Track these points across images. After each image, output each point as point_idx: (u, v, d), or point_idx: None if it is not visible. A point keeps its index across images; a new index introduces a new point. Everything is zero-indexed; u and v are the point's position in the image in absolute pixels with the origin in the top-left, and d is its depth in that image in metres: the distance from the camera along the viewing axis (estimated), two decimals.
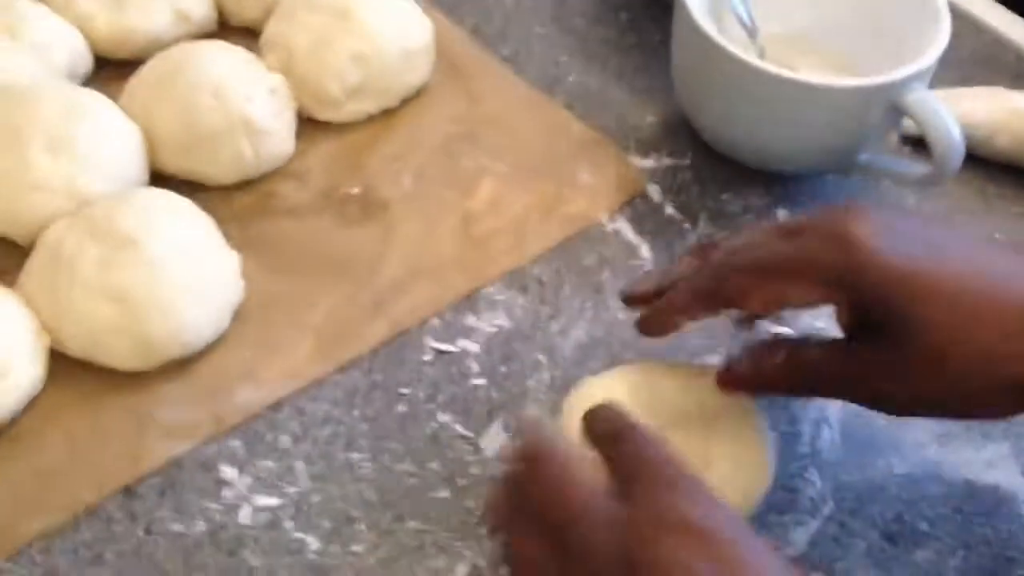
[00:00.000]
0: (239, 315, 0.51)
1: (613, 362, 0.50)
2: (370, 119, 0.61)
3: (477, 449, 0.47)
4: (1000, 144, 0.60)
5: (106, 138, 0.53)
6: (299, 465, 0.46)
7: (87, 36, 0.60)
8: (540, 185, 0.58)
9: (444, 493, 0.46)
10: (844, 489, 0.47)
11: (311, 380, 0.49)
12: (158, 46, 0.59)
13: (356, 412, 0.48)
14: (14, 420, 0.46)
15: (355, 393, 0.49)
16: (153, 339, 0.48)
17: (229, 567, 0.43)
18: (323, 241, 0.55)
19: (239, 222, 0.55)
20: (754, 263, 0.41)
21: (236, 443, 0.47)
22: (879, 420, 0.45)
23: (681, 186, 0.59)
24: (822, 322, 0.50)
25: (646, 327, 0.45)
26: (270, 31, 0.61)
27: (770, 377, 0.43)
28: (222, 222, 0.53)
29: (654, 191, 0.58)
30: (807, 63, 0.60)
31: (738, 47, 0.53)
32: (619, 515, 0.34)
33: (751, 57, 0.52)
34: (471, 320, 0.52)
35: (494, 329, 0.52)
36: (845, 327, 0.42)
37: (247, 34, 0.63)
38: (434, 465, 0.47)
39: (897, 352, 0.39)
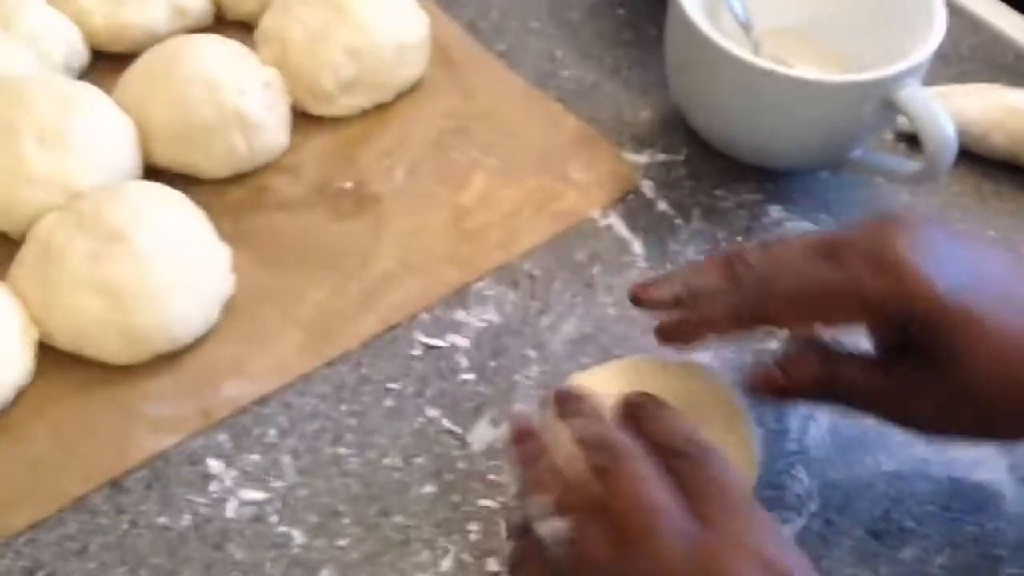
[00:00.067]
0: (229, 308, 0.51)
1: (603, 357, 0.50)
2: (364, 113, 0.61)
3: (464, 444, 0.47)
4: (996, 142, 0.60)
5: (99, 131, 0.53)
6: (285, 459, 0.47)
7: (83, 29, 0.60)
8: (533, 180, 0.58)
9: (430, 488, 0.46)
10: (831, 486, 0.47)
11: (299, 374, 0.49)
12: (154, 40, 0.60)
13: (344, 407, 0.48)
14: (2, 412, 0.46)
15: (343, 387, 0.49)
16: (141, 333, 0.48)
17: (214, 560, 0.43)
18: (315, 235, 0.55)
19: (231, 215, 0.55)
20: (796, 291, 0.40)
21: (223, 437, 0.47)
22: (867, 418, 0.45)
23: (674, 182, 0.59)
24: None
25: (670, 337, 0.44)
26: (265, 25, 0.61)
27: (802, 387, 0.42)
28: (214, 215, 0.53)
29: (647, 187, 0.58)
30: (803, 59, 0.59)
31: (732, 42, 0.53)
32: (695, 535, 0.35)
33: (743, 52, 0.52)
34: (461, 315, 0.52)
35: (483, 324, 0.52)
36: (880, 345, 0.42)
37: (243, 28, 0.63)
38: (421, 460, 0.47)
39: (937, 377, 0.39)
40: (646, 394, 0.42)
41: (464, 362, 0.50)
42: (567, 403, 0.41)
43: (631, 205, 0.57)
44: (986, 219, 0.59)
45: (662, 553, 0.34)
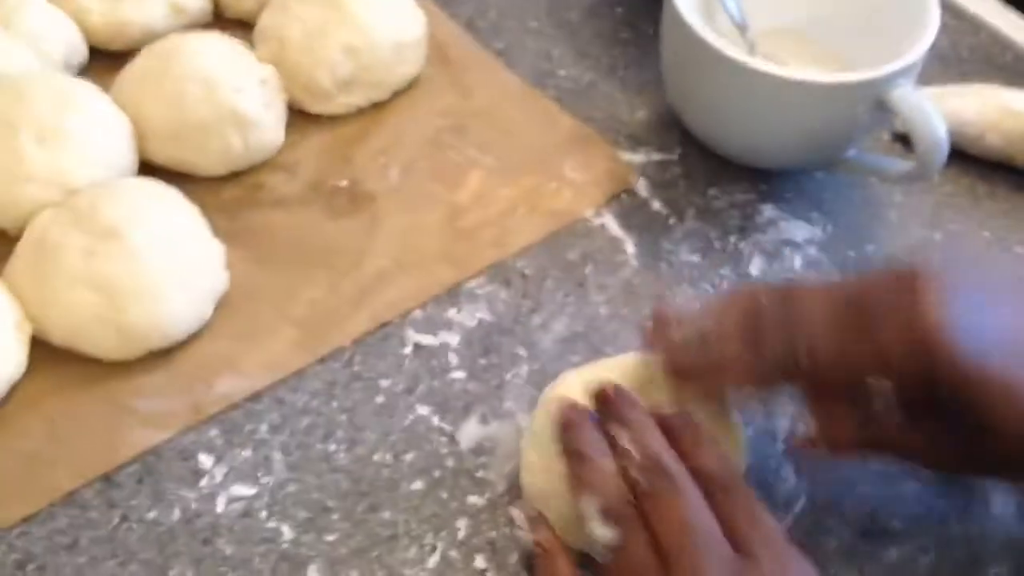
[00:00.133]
0: (223, 305, 0.51)
1: (593, 356, 0.50)
2: (361, 112, 0.61)
3: (453, 441, 0.48)
4: (991, 142, 0.60)
5: (96, 128, 0.54)
6: (276, 455, 0.47)
7: (82, 27, 0.61)
8: (527, 179, 0.58)
9: (419, 484, 0.46)
10: (818, 486, 0.47)
11: (292, 371, 0.50)
12: (153, 37, 0.60)
13: (335, 403, 0.49)
14: None
15: (335, 384, 0.49)
16: (135, 329, 0.48)
17: (203, 555, 0.44)
18: (309, 233, 0.55)
19: (227, 213, 0.55)
20: (822, 360, 0.39)
21: (214, 432, 0.47)
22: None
23: (669, 181, 0.59)
24: None
25: (690, 389, 0.43)
26: (263, 23, 0.61)
27: (843, 447, 0.42)
28: (210, 212, 0.53)
29: (642, 186, 0.59)
30: (801, 59, 0.60)
31: (725, 42, 0.53)
32: (739, 564, 0.36)
33: (735, 52, 0.52)
34: (452, 313, 0.52)
35: (475, 322, 0.52)
36: (905, 398, 0.40)
37: (242, 26, 0.63)
38: (410, 457, 0.47)
39: (968, 432, 0.39)
40: (686, 416, 0.42)
41: (455, 360, 0.51)
42: (613, 407, 0.42)
43: (625, 204, 0.58)
44: (981, 220, 0.59)
45: (696, 571, 0.36)
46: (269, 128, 0.57)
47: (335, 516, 0.45)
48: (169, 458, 0.46)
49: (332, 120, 0.60)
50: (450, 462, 0.47)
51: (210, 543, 0.44)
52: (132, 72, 0.57)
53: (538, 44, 0.66)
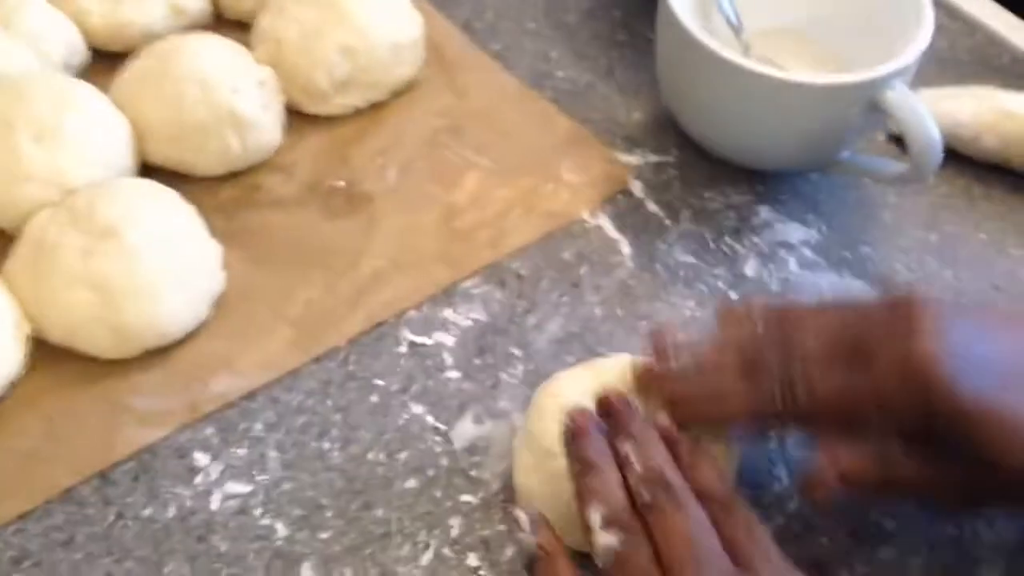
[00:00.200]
0: (219, 305, 0.52)
1: (588, 356, 0.50)
2: (358, 112, 0.61)
3: (447, 440, 0.48)
4: (987, 144, 0.60)
5: (94, 129, 0.54)
6: (271, 453, 0.47)
7: (83, 28, 0.61)
8: (523, 180, 0.59)
9: (412, 483, 0.47)
10: None
11: (287, 370, 0.50)
12: (153, 39, 0.60)
13: (330, 402, 0.49)
14: None
15: (330, 383, 0.50)
16: (132, 328, 0.49)
17: (198, 552, 0.44)
18: (306, 233, 0.56)
19: (224, 213, 0.56)
20: (824, 398, 0.40)
21: (210, 431, 0.48)
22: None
23: (664, 183, 0.59)
24: None
25: (688, 418, 0.43)
26: (261, 24, 0.61)
27: (857, 488, 0.42)
28: (207, 213, 0.54)
29: (637, 187, 0.59)
30: (799, 60, 0.60)
31: (720, 43, 0.53)
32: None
33: (729, 53, 0.52)
34: (448, 313, 0.53)
35: (470, 322, 0.52)
36: (902, 434, 0.41)
37: (241, 27, 0.63)
38: (404, 455, 0.47)
39: (968, 468, 0.39)
40: (684, 432, 0.42)
41: (450, 360, 0.51)
42: (616, 418, 0.42)
43: (620, 205, 0.58)
44: (976, 222, 0.59)
45: None
46: (267, 129, 0.58)
47: (329, 514, 0.45)
48: (165, 456, 0.47)
49: (330, 121, 0.61)
50: (444, 461, 0.47)
51: (205, 540, 0.44)
52: (131, 73, 0.58)
53: (536, 45, 0.67)
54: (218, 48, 0.58)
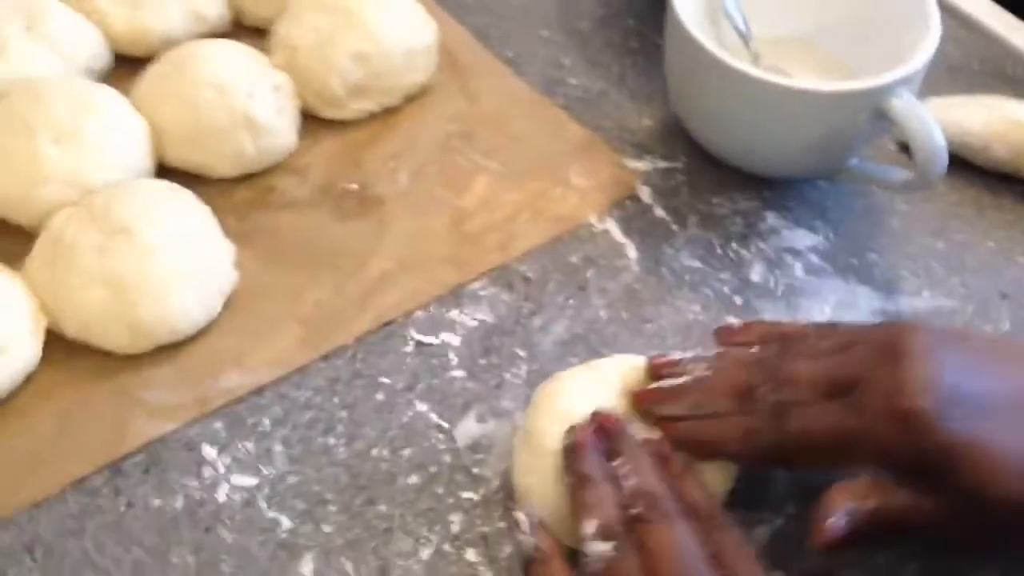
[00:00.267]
0: (231, 303, 0.53)
1: (592, 358, 0.51)
2: (372, 117, 0.62)
3: (450, 438, 0.49)
4: (997, 154, 0.60)
5: (114, 131, 0.56)
6: (277, 448, 0.48)
7: (105, 33, 0.63)
8: (533, 184, 0.59)
9: (415, 479, 0.47)
10: (808, 489, 0.47)
11: (295, 367, 0.51)
12: (173, 44, 0.62)
13: (336, 399, 0.50)
14: (10, 396, 0.49)
15: (337, 381, 0.51)
16: (145, 324, 0.50)
17: (204, 543, 0.45)
18: (317, 234, 0.57)
19: (238, 214, 0.57)
20: (819, 442, 0.41)
21: (219, 425, 0.49)
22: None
23: (672, 188, 0.60)
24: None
25: (684, 448, 0.44)
26: (278, 31, 0.63)
27: (865, 533, 0.42)
28: (221, 213, 0.55)
29: (645, 193, 0.59)
30: (807, 67, 0.60)
31: (728, 52, 0.54)
32: None
33: (736, 61, 0.53)
34: (455, 314, 0.53)
35: (476, 323, 0.53)
36: (901, 473, 0.41)
37: (259, 34, 0.65)
38: (407, 452, 0.48)
39: (963, 507, 0.40)
40: (674, 449, 0.44)
41: (455, 359, 0.52)
42: (610, 440, 0.44)
43: (628, 210, 0.59)
44: (985, 230, 0.59)
45: None
46: (281, 133, 0.59)
47: (333, 508, 0.46)
48: (175, 448, 0.48)
49: (344, 125, 0.62)
50: (447, 458, 0.48)
51: (211, 531, 0.45)
52: (150, 77, 0.59)
53: (548, 52, 0.67)
54: (234, 54, 0.59)
